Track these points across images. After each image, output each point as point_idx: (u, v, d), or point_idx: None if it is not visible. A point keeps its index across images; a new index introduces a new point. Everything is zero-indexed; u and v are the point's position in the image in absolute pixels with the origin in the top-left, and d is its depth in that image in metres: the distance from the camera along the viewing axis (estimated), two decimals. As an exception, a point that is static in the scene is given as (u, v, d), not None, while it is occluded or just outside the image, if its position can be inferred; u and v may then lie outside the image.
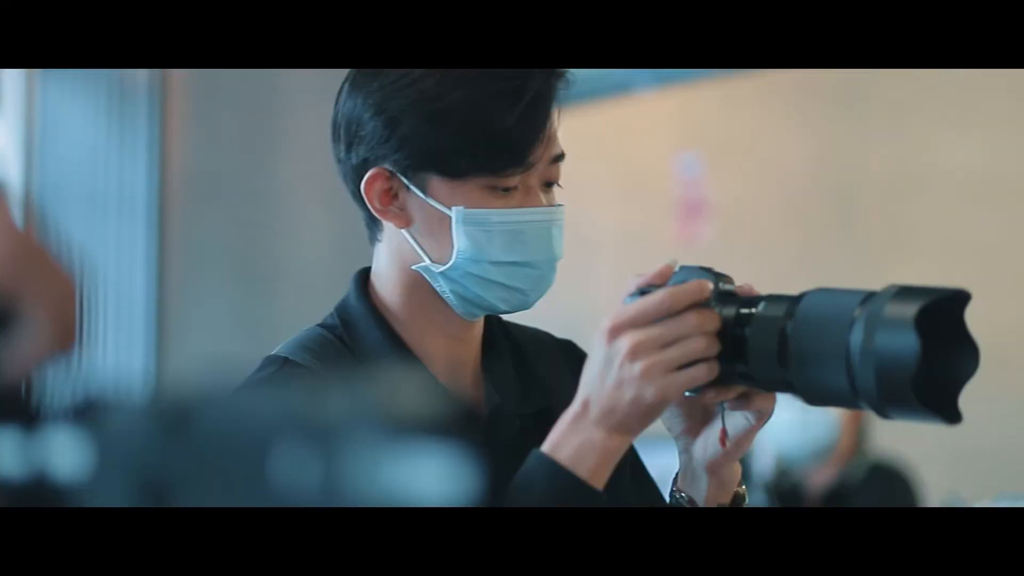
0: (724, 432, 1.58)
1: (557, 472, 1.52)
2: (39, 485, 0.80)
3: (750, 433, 1.58)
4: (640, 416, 1.50)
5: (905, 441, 4.68)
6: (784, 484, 4.54)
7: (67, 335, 0.84)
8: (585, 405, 1.52)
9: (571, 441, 1.52)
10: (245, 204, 5.84)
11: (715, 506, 1.63)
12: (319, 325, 1.75)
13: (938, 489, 4.66)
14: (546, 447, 1.54)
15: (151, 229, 5.59)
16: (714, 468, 1.61)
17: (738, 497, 1.65)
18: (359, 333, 1.72)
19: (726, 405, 1.57)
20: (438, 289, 1.69)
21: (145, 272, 5.57)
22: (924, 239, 5.53)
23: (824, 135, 5.78)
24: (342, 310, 1.75)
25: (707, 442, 1.60)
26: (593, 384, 1.51)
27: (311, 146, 5.76)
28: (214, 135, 5.71)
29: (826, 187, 5.82)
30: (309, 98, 5.76)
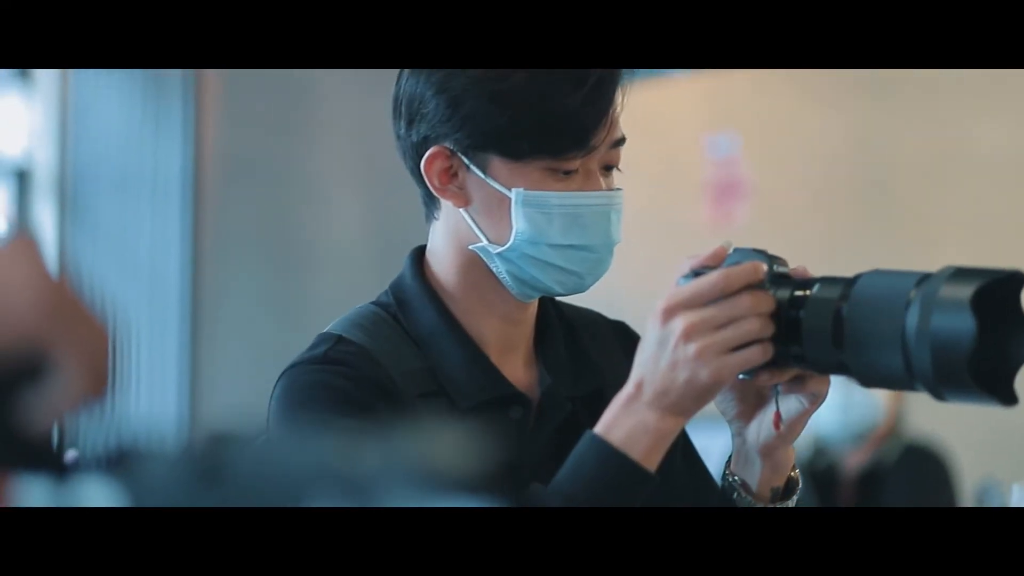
0: (778, 415, 1.58)
1: (609, 453, 1.52)
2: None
3: (804, 416, 1.58)
4: (694, 398, 1.50)
5: (941, 423, 4.66)
6: (819, 465, 4.53)
7: (99, 383, 0.85)
8: (639, 386, 1.52)
9: (624, 423, 1.53)
10: (278, 187, 5.85)
11: (768, 490, 1.63)
12: (373, 303, 1.75)
13: (973, 472, 4.64)
14: (599, 429, 1.54)
15: (185, 212, 5.59)
16: (768, 451, 1.60)
17: (791, 481, 1.65)
18: (413, 312, 1.72)
19: (780, 388, 1.57)
20: (494, 270, 1.69)
21: (179, 255, 5.58)
22: (957, 223, 5.52)
23: (857, 118, 5.76)
24: (397, 288, 1.74)
25: (761, 425, 1.60)
26: (647, 365, 1.52)
27: (345, 129, 5.77)
28: (248, 118, 5.72)
29: (858, 171, 5.81)
30: (343, 80, 5.76)
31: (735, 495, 1.63)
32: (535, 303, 1.76)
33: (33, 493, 0.81)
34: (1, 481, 0.81)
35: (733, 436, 1.63)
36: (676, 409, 1.51)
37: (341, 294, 5.21)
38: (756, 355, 1.50)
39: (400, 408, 1.64)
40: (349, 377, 1.63)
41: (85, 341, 0.84)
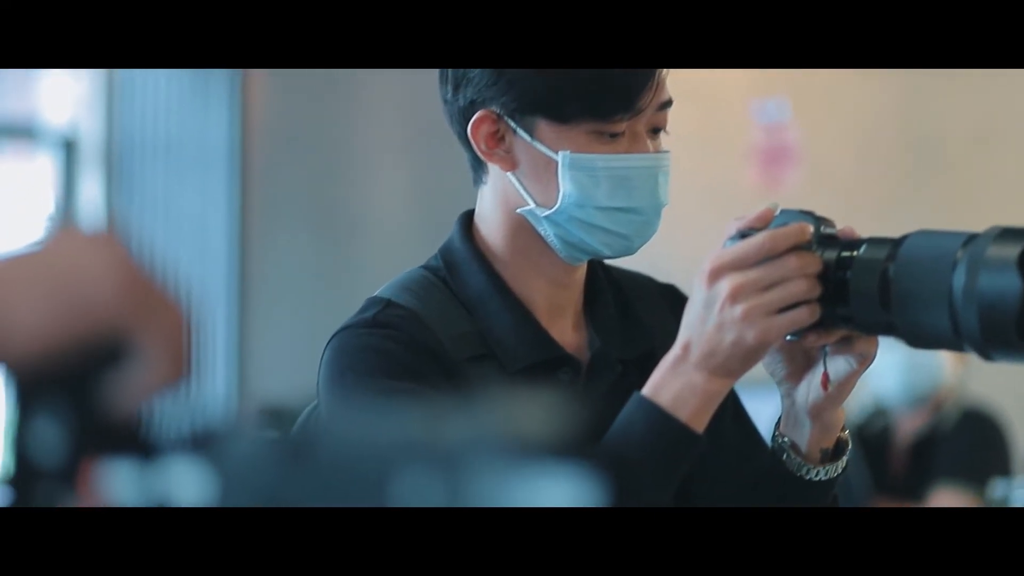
0: (826, 376, 1.58)
1: (657, 415, 1.53)
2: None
3: (852, 377, 1.58)
4: (741, 359, 1.51)
5: (1000, 389, 4.64)
6: (873, 427, 4.50)
7: (179, 368, 0.85)
8: (686, 348, 1.53)
9: (672, 384, 1.54)
10: (326, 154, 5.86)
11: (818, 451, 1.63)
12: (422, 267, 1.75)
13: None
14: (647, 390, 1.55)
15: (232, 181, 5.61)
16: (817, 412, 1.60)
17: (841, 442, 1.65)
18: (462, 275, 1.72)
19: (828, 349, 1.57)
20: (542, 233, 1.69)
21: (226, 223, 5.61)
22: (1005, 184, 5.49)
23: (906, 80, 5.73)
24: (446, 252, 1.75)
25: (809, 387, 1.59)
26: (694, 327, 1.52)
27: (392, 94, 5.77)
28: (294, 85, 5.73)
29: (906, 133, 5.78)
30: (387, 48, 5.76)
31: (784, 456, 1.64)
32: (584, 266, 1.76)
33: (120, 479, 0.82)
34: (88, 468, 0.82)
35: (782, 397, 1.63)
36: (723, 370, 1.52)
37: (389, 260, 5.22)
38: (803, 316, 1.50)
39: (449, 371, 1.65)
40: (398, 340, 1.64)
41: (165, 327, 0.85)
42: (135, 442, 0.83)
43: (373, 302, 1.69)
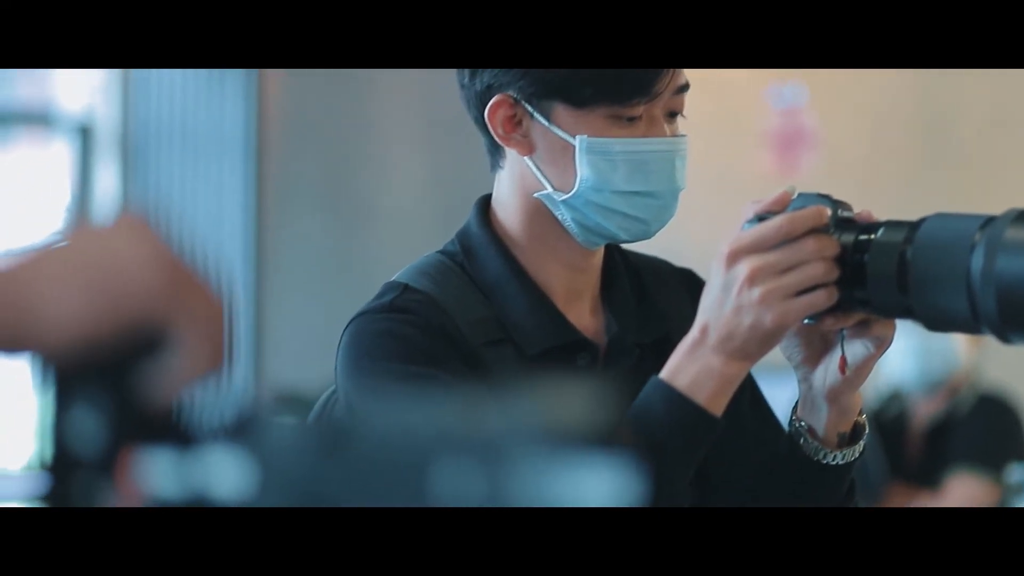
0: (844, 360, 1.58)
1: (675, 399, 1.54)
2: (200, 505, 0.82)
3: (870, 361, 1.58)
4: (758, 342, 1.51)
5: (1016, 372, 4.63)
6: (890, 412, 4.50)
7: (217, 356, 0.85)
8: (703, 331, 1.53)
9: (689, 368, 1.54)
10: (341, 140, 5.86)
11: (835, 435, 1.63)
12: (439, 252, 1.75)
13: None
14: (664, 374, 1.55)
15: (248, 167, 5.62)
16: (834, 396, 1.60)
17: (858, 426, 1.65)
18: (479, 260, 1.72)
19: (845, 333, 1.57)
20: (559, 217, 1.69)
21: (242, 210, 5.61)
22: (1021, 167, 5.47)
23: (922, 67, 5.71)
24: (463, 236, 1.75)
25: (827, 370, 1.59)
26: (711, 310, 1.52)
27: (407, 80, 5.77)
28: (309, 74, 5.72)
29: (923, 121, 5.77)
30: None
31: (802, 440, 1.63)
32: (601, 250, 1.76)
33: (157, 468, 0.82)
34: (126, 458, 0.82)
35: (799, 382, 1.63)
36: (741, 354, 1.52)
37: (405, 247, 5.22)
38: (821, 299, 1.50)
39: (466, 356, 1.65)
40: (415, 325, 1.64)
41: (203, 315, 0.85)
42: (172, 431, 0.83)
43: (390, 287, 1.69)
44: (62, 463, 0.82)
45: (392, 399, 0.81)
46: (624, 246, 1.79)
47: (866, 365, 1.59)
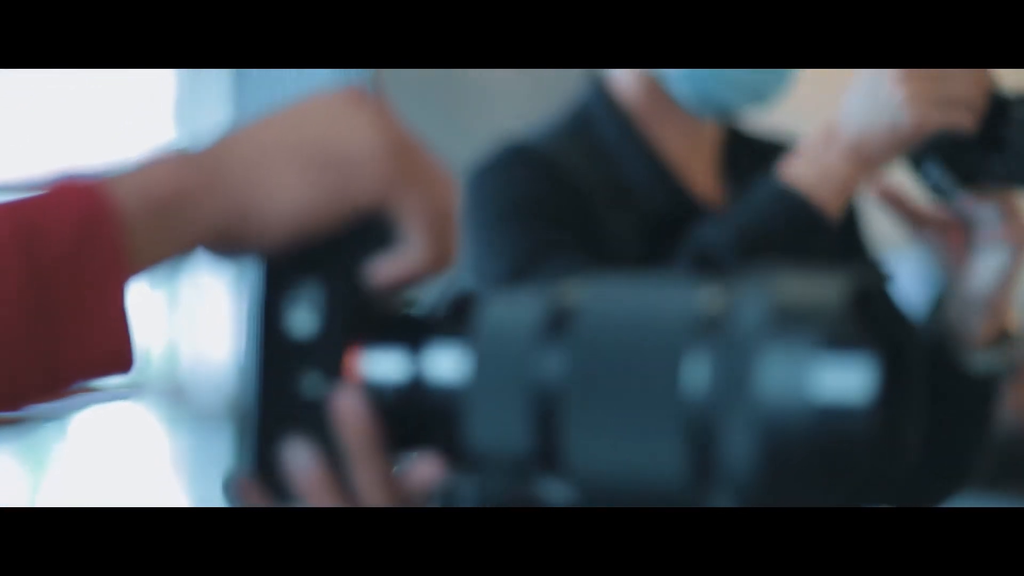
0: (969, 248, 1.54)
1: (787, 193, 1.50)
2: (420, 393, 0.75)
3: (1014, 260, 1.53)
4: (889, 143, 1.47)
5: None
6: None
7: (447, 256, 0.75)
8: (831, 131, 1.49)
9: (809, 169, 1.50)
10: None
11: (981, 337, 1.56)
12: (551, 119, 1.71)
13: None
14: (783, 167, 1.52)
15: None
16: (978, 295, 1.54)
17: (1006, 332, 1.57)
18: (596, 125, 1.68)
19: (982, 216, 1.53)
20: (673, 88, 1.64)
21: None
22: None
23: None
24: (578, 105, 1.70)
25: (969, 268, 1.54)
26: (849, 107, 1.49)
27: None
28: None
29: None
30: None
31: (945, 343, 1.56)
32: (716, 126, 1.72)
33: (382, 363, 0.76)
34: (353, 355, 0.75)
35: (940, 283, 1.57)
36: (866, 154, 1.48)
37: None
38: (964, 117, 1.47)
39: (587, 217, 1.60)
40: (538, 180, 1.59)
41: (435, 201, 0.75)
42: (400, 327, 0.76)
43: (505, 147, 1.63)
44: (280, 361, 0.76)
45: (613, 284, 0.72)
46: (741, 120, 1.75)
47: (1010, 266, 1.53)
